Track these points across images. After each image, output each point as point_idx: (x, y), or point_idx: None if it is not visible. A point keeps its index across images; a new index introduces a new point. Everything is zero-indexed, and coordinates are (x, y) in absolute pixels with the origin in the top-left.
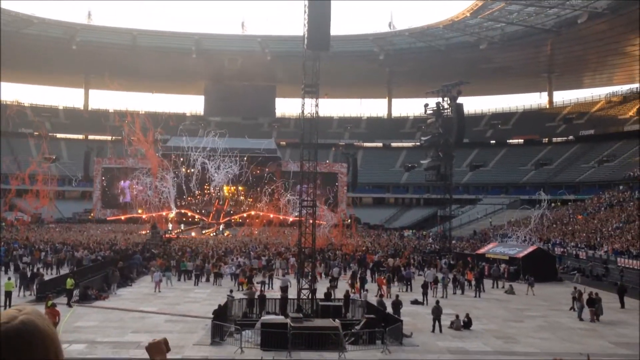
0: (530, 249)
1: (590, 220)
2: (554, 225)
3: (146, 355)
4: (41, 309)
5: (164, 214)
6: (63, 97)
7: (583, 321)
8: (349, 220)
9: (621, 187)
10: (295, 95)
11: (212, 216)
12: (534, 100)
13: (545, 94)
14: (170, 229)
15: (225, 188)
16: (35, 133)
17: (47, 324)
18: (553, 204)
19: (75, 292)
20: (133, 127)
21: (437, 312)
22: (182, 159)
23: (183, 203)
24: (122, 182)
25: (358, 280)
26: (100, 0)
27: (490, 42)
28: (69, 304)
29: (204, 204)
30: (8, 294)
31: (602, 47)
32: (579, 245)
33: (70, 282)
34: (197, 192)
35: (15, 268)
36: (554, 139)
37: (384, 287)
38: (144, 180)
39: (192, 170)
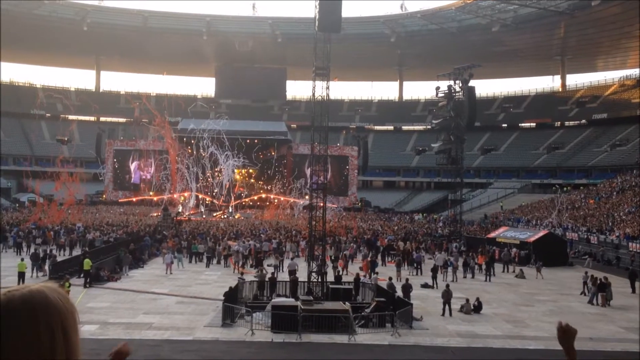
0: (541, 234)
1: (602, 204)
2: (566, 210)
3: (157, 337)
4: None
5: (175, 195)
6: (74, 78)
7: (593, 305)
8: (359, 204)
9: (634, 172)
10: (306, 77)
11: (223, 199)
12: (547, 83)
13: (558, 77)
14: (180, 210)
15: (236, 171)
16: (47, 115)
17: (62, 298)
18: (565, 188)
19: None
20: (145, 109)
21: (447, 296)
22: (193, 142)
23: (197, 185)
24: (131, 163)
25: (369, 263)
26: None
27: (502, 24)
28: (86, 285)
29: (215, 187)
30: (21, 275)
31: (616, 30)
32: (591, 230)
33: (88, 262)
34: (207, 174)
35: (28, 249)
36: (567, 123)
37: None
38: (159, 162)
39: (203, 153)
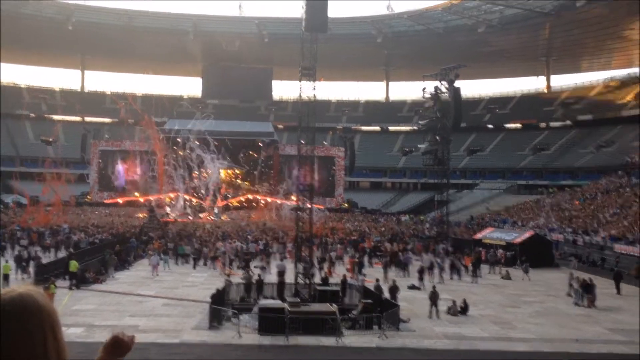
0: (527, 235)
1: (587, 206)
2: (551, 211)
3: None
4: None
5: (162, 196)
6: (59, 78)
7: (579, 307)
8: (346, 205)
9: (619, 173)
10: (293, 77)
11: (209, 200)
12: (532, 84)
13: (543, 78)
14: (168, 212)
15: (223, 172)
16: (32, 115)
17: (47, 301)
18: (551, 190)
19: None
20: (131, 109)
21: (434, 297)
22: (179, 142)
23: (177, 186)
24: (118, 165)
25: (356, 265)
26: None
27: (488, 25)
28: (71, 287)
29: (201, 188)
30: (5, 277)
31: (601, 31)
32: (576, 231)
33: (74, 264)
34: (194, 175)
35: (12, 250)
36: (552, 124)
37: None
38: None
39: (189, 153)
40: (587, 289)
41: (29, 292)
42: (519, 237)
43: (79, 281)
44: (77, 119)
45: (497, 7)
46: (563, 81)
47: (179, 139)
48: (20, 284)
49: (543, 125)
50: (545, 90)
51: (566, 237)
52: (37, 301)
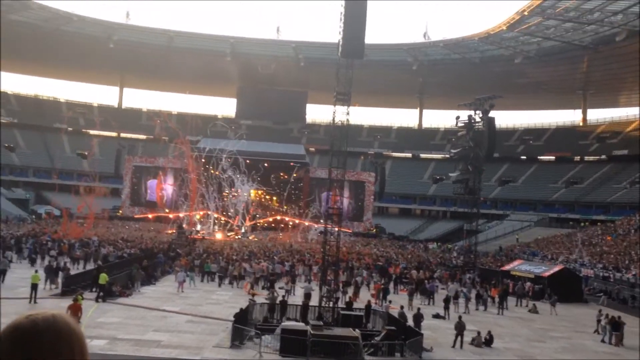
0: (556, 268)
1: (619, 242)
2: (582, 246)
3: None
4: (67, 302)
5: (191, 214)
6: (97, 94)
7: (606, 344)
8: (374, 230)
9: None
10: (326, 101)
11: (238, 219)
12: (568, 117)
13: (579, 112)
14: (199, 229)
15: (253, 192)
16: (69, 129)
17: (76, 324)
18: (582, 224)
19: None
20: (166, 127)
21: (459, 327)
22: (212, 161)
23: (208, 204)
24: (149, 180)
25: (381, 291)
26: (139, 0)
27: (525, 56)
28: (98, 299)
29: (231, 207)
30: (34, 287)
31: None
32: (607, 267)
33: (104, 277)
34: (224, 194)
35: (42, 260)
36: (586, 158)
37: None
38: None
39: (221, 172)
40: (616, 326)
41: (60, 314)
42: (548, 270)
43: (106, 294)
44: (113, 134)
45: (535, 38)
46: (599, 115)
47: (211, 159)
48: (48, 294)
49: (577, 158)
50: (581, 124)
51: (596, 272)
52: (68, 323)
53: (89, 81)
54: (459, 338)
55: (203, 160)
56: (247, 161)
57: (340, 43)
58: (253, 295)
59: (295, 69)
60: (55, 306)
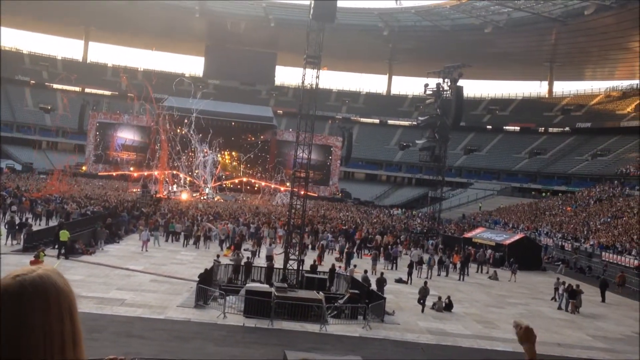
0: (517, 237)
1: (579, 212)
2: (543, 215)
3: (129, 314)
4: (29, 258)
5: (156, 173)
6: (62, 47)
7: (563, 312)
8: (340, 194)
9: (614, 182)
10: (296, 64)
11: (204, 179)
12: (534, 88)
13: (545, 83)
14: (171, 189)
15: (219, 152)
16: (32, 82)
17: (65, 282)
18: (544, 194)
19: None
20: (132, 84)
21: (423, 292)
22: (178, 119)
23: (175, 164)
24: (117, 137)
25: (345, 255)
26: None
27: (495, 26)
28: (59, 256)
29: (196, 167)
30: None
31: (606, 41)
32: (566, 237)
33: (65, 234)
34: (190, 154)
35: (3, 216)
36: (550, 129)
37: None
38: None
39: (188, 131)
40: (572, 294)
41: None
42: (508, 238)
43: (68, 251)
44: (77, 89)
45: (506, 8)
46: (565, 87)
47: (177, 117)
48: (9, 250)
49: (541, 129)
50: (547, 95)
51: (555, 241)
52: (56, 283)
53: (54, 33)
54: (422, 302)
55: (168, 118)
56: (214, 122)
57: (312, 5)
58: (237, 254)
59: (265, 29)
60: (17, 262)
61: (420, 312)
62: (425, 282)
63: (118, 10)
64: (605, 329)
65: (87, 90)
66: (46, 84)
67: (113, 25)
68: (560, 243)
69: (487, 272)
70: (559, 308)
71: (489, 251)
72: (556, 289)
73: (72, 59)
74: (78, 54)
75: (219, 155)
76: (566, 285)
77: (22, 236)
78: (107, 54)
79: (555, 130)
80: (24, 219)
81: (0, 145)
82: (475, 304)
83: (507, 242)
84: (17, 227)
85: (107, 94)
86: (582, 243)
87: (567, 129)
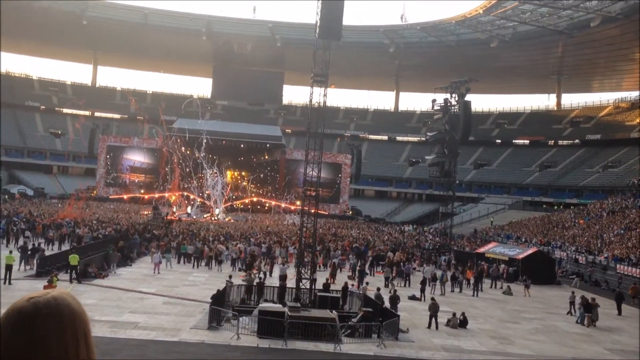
0: (530, 251)
1: (591, 225)
2: (555, 229)
3: (142, 337)
4: (42, 283)
5: (166, 195)
6: (71, 72)
7: (579, 325)
8: (350, 212)
9: (626, 194)
10: (303, 83)
11: (214, 201)
12: (542, 101)
13: (553, 96)
14: (175, 210)
15: (229, 173)
16: (42, 107)
17: (79, 305)
18: (555, 207)
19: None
20: (142, 107)
21: (434, 309)
22: (188, 141)
23: (185, 185)
24: (125, 160)
25: (357, 273)
26: None
27: (501, 40)
28: (72, 280)
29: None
30: (8, 268)
31: (613, 52)
32: (579, 250)
33: (75, 258)
34: (200, 175)
35: (16, 242)
36: (560, 142)
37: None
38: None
39: (197, 153)
40: (588, 308)
41: (61, 295)
42: (522, 253)
43: (81, 275)
44: (87, 113)
45: (511, 23)
46: (573, 100)
47: (187, 139)
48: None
49: (551, 142)
50: (555, 108)
51: (569, 255)
52: (70, 305)
53: (62, 58)
54: (434, 319)
55: (179, 140)
56: (223, 142)
57: (318, 24)
58: (249, 275)
59: (271, 49)
60: (30, 287)
61: (433, 329)
62: (432, 298)
63: (126, 34)
64: (622, 342)
65: (96, 114)
66: (56, 109)
67: (121, 49)
68: (574, 256)
69: (501, 287)
70: (577, 322)
71: (502, 266)
72: (571, 303)
73: (81, 83)
74: (87, 79)
75: (228, 176)
76: (582, 298)
77: (35, 261)
78: (115, 77)
79: (565, 142)
80: (36, 244)
81: (10, 171)
82: (490, 319)
83: (521, 256)
84: (29, 253)
85: (117, 117)
86: (596, 256)
87: (576, 141)
